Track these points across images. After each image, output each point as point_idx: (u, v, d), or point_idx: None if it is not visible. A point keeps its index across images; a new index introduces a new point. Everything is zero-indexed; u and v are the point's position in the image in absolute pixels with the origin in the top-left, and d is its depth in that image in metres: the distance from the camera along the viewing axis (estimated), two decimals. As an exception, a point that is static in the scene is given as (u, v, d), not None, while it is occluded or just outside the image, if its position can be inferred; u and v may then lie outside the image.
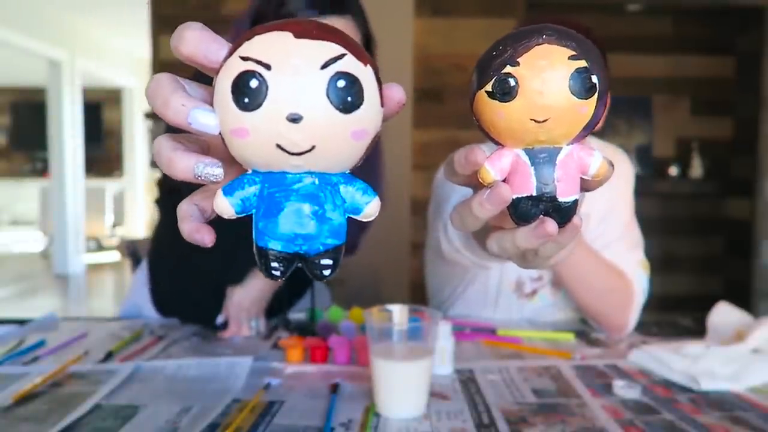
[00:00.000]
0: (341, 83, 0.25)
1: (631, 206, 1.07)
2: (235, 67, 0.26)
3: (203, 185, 0.32)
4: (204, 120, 0.27)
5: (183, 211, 0.32)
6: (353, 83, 0.26)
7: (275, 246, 0.28)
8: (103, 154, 7.37)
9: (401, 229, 2.49)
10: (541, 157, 0.34)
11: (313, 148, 0.26)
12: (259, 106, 0.25)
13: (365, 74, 0.26)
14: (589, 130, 0.33)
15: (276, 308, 1.02)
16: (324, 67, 0.25)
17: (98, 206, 6.18)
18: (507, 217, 0.37)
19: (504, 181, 0.35)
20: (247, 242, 0.30)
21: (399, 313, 0.67)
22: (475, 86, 0.33)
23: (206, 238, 0.31)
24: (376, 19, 0.99)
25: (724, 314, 0.95)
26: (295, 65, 0.25)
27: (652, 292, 1.02)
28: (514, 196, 0.35)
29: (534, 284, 1.07)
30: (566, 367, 0.82)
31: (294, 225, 0.28)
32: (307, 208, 0.28)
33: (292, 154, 0.26)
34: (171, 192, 1.06)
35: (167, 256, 1.08)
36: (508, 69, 0.31)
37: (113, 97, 7.07)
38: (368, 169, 0.96)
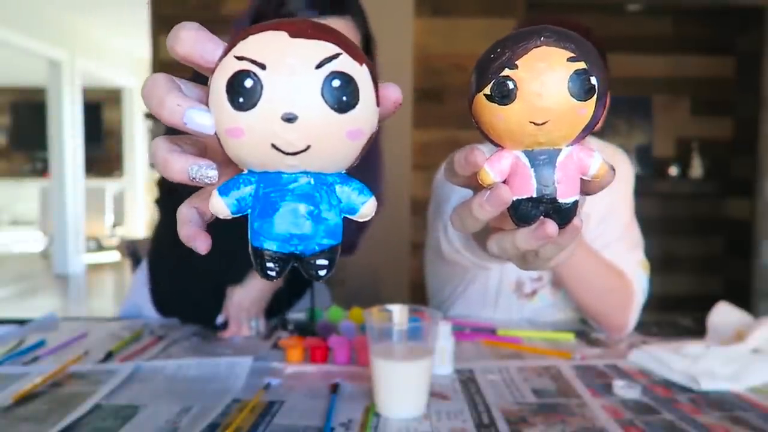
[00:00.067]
0: (336, 83, 0.25)
1: (631, 206, 1.07)
2: (230, 66, 0.26)
3: (202, 187, 0.32)
4: (199, 120, 0.27)
5: (182, 215, 0.32)
6: (348, 83, 0.26)
7: (271, 246, 0.28)
8: (103, 154, 7.37)
9: (401, 229, 2.49)
10: (541, 158, 0.34)
11: (308, 147, 0.26)
12: (254, 105, 0.25)
13: (361, 74, 0.26)
14: (588, 131, 0.33)
15: (276, 308, 1.02)
16: (319, 66, 0.25)
17: (98, 206, 6.18)
18: (507, 219, 0.37)
19: (504, 182, 0.35)
20: (247, 242, 0.30)
21: (399, 313, 0.67)
22: (473, 89, 0.33)
23: (201, 246, 0.31)
24: (376, 19, 0.99)
25: (724, 314, 0.95)
26: (290, 65, 0.25)
27: (652, 292, 1.02)
28: (514, 198, 0.35)
29: (534, 284, 1.07)
30: (566, 367, 0.82)
31: (289, 225, 0.28)
32: (302, 208, 0.28)
33: (288, 153, 0.26)
34: (171, 192, 1.06)
35: (167, 256, 1.08)
36: (506, 72, 0.31)
37: (113, 97, 7.07)
38: (366, 169, 0.96)
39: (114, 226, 6.49)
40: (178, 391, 0.71)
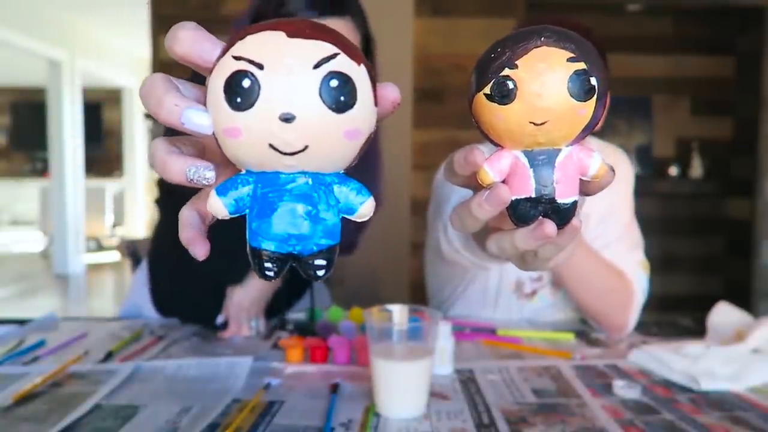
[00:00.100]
0: (334, 83, 0.25)
1: (630, 206, 1.07)
2: (227, 66, 0.26)
3: (201, 188, 0.32)
4: (197, 120, 0.27)
5: (184, 218, 0.32)
6: (346, 83, 0.26)
7: (269, 246, 0.28)
8: (103, 154, 7.37)
9: (401, 229, 2.49)
10: (540, 158, 0.34)
11: (306, 147, 0.26)
12: (251, 105, 0.25)
13: (358, 74, 0.26)
14: (588, 131, 0.33)
15: (275, 308, 1.02)
16: (317, 66, 0.25)
17: (98, 206, 6.19)
18: (506, 219, 0.37)
19: (503, 182, 0.35)
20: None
21: (399, 313, 0.67)
22: (473, 88, 0.33)
23: (199, 251, 0.31)
24: (376, 19, 0.99)
25: (724, 314, 0.95)
26: (287, 65, 0.25)
27: (652, 292, 1.02)
28: (513, 198, 0.35)
29: (534, 284, 1.07)
30: (566, 367, 0.82)
31: (287, 225, 0.28)
32: (300, 208, 0.28)
33: (285, 153, 0.26)
34: (170, 192, 1.05)
35: (167, 256, 1.08)
36: (506, 72, 0.31)
37: (113, 97, 7.07)
38: (365, 169, 0.96)
39: (114, 226, 6.49)
40: (178, 391, 0.71)
